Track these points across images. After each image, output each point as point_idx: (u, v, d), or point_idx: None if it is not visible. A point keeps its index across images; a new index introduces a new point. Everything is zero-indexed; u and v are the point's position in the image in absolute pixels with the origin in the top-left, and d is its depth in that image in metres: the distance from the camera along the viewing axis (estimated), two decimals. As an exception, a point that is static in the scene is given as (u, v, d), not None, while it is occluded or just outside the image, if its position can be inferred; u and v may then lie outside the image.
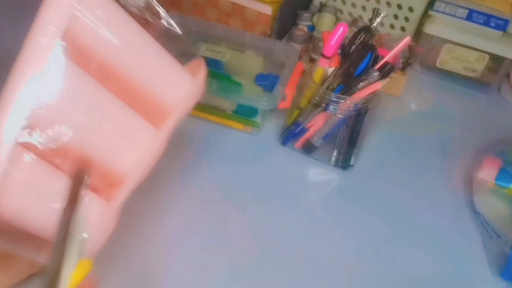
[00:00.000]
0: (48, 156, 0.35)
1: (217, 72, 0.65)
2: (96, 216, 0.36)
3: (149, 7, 0.38)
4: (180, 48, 0.41)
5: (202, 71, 0.41)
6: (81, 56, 0.34)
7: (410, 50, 0.77)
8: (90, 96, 0.35)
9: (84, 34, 0.34)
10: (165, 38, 0.39)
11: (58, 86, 0.33)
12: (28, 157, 0.33)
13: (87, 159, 0.36)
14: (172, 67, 0.39)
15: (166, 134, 0.39)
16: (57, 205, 0.33)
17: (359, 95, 0.55)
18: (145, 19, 0.38)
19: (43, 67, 0.33)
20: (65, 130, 0.34)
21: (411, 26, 0.78)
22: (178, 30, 0.40)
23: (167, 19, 0.39)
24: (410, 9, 0.77)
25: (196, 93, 0.41)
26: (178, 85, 0.39)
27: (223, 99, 0.62)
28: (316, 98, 0.57)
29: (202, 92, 0.41)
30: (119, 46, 0.35)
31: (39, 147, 0.34)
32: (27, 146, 0.33)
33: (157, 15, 0.39)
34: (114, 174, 0.38)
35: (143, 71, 0.37)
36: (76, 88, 0.34)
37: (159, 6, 0.38)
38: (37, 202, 0.34)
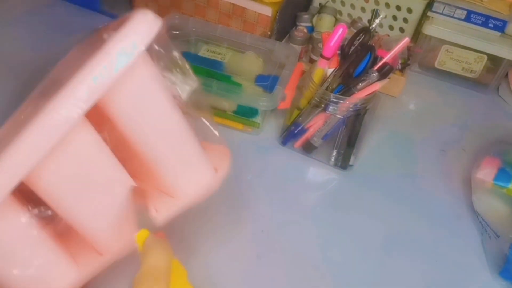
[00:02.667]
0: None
1: (217, 73, 0.65)
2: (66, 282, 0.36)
3: (193, 98, 0.37)
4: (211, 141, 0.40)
5: (225, 165, 0.40)
6: (104, 124, 0.34)
7: (409, 51, 0.77)
8: (95, 164, 0.35)
9: (116, 108, 0.33)
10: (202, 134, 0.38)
11: (64, 148, 0.32)
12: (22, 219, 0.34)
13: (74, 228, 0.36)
14: (197, 159, 0.38)
15: (163, 221, 0.39)
16: (16, 271, 0.33)
17: (358, 96, 0.55)
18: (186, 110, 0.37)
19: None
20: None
21: (410, 27, 0.79)
22: (215, 132, 0.40)
23: (208, 122, 0.39)
24: (409, 10, 0.77)
25: (214, 188, 0.40)
26: (196, 177, 0.39)
27: (224, 99, 0.62)
28: (316, 98, 0.57)
29: (219, 186, 0.40)
30: (147, 127, 0.35)
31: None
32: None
33: (199, 106, 0.38)
34: (95, 245, 0.38)
35: (164, 157, 0.37)
36: (82, 154, 0.34)
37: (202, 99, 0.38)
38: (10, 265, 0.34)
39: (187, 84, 0.37)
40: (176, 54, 0.36)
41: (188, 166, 0.38)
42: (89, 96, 0.31)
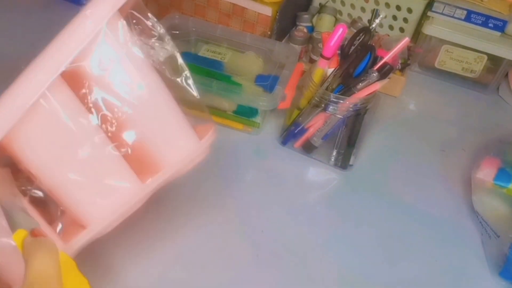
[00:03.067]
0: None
1: (217, 72, 0.65)
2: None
3: (171, 63, 0.38)
4: (195, 108, 0.40)
5: (210, 135, 0.40)
6: (84, 87, 0.34)
7: (409, 51, 0.77)
8: (78, 131, 0.34)
9: (94, 73, 0.34)
10: (182, 97, 0.38)
11: (47, 112, 0.33)
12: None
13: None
14: (179, 127, 0.38)
15: (149, 190, 0.38)
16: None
17: (358, 96, 0.55)
18: (165, 74, 0.37)
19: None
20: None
21: (410, 27, 0.79)
22: (195, 92, 0.40)
23: (186, 78, 0.39)
24: (409, 10, 0.77)
25: (197, 157, 0.40)
26: (181, 146, 0.39)
27: (224, 99, 0.62)
28: (316, 98, 0.57)
29: (205, 156, 0.40)
30: (128, 94, 0.35)
31: None
32: None
33: (177, 72, 0.38)
34: (79, 217, 0.37)
35: (148, 125, 0.37)
36: (59, 117, 0.34)
37: (182, 64, 0.38)
38: None
39: (164, 49, 0.38)
40: (151, 17, 0.37)
41: (176, 132, 0.38)
42: (66, 58, 0.32)
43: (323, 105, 0.57)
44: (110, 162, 0.36)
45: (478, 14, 0.73)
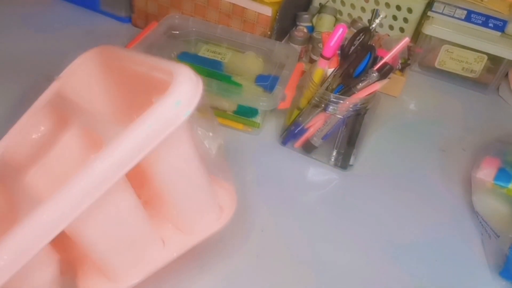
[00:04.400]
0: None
1: (217, 73, 0.65)
2: None
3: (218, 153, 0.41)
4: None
5: (231, 208, 0.44)
6: (137, 174, 0.35)
7: (409, 51, 0.77)
8: (126, 212, 0.37)
9: (154, 166, 0.36)
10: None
11: (104, 199, 0.34)
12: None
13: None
14: (208, 204, 0.42)
15: (173, 256, 0.42)
16: None
17: (358, 96, 0.55)
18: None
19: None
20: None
21: (410, 27, 0.79)
22: (230, 172, 0.44)
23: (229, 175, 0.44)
24: (409, 10, 0.77)
25: (220, 229, 0.44)
26: (208, 220, 0.43)
27: (224, 99, 0.62)
28: (316, 98, 0.57)
29: (224, 227, 0.44)
30: (177, 180, 0.38)
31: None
32: None
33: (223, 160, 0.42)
34: (110, 274, 0.40)
35: (183, 202, 0.40)
36: (118, 204, 0.35)
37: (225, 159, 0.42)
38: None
39: (215, 141, 0.41)
40: (209, 112, 0.40)
41: (202, 209, 0.43)
42: (135, 156, 0.33)
43: (323, 105, 0.57)
44: (147, 233, 0.40)
45: (478, 14, 0.73)
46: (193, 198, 0.41)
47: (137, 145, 0.32)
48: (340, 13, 0.81)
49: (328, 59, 0.57)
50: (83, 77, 0.46)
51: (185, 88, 0.33)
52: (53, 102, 0.45)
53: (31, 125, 0.44)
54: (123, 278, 0.40)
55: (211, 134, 0.40)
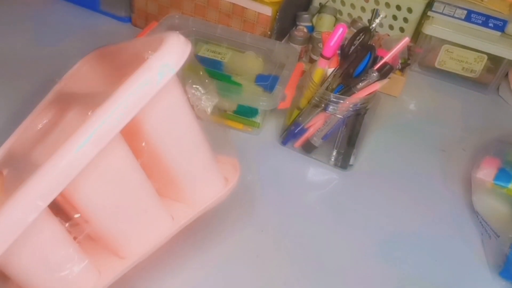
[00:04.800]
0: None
1: (217, 72, 0.65)
2: (86, 285, 0.38)
3: (214, 112, 0.41)
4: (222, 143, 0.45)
5: (235, 179, 0.44)
6: (136, 139, 0.36)
7: (409, 51, 0.77)
8: (127, 175, 0.37)
9: (149, 124, 0.36)
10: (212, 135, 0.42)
11: (107, 164, 0.34)
12: (49, 224, 0.34)
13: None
14: (210, 171, 0.42)
15: (179, 226, 0.41)
16: (62, 274, 0.35)
17: (358, 96, 0.55)
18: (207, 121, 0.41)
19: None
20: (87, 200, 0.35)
21: (410, 27, 0.79)
22: (233, 146, 0.46)
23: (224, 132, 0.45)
24: (409, 10, 0.77)
25: (223, 199, 0.43)
26: (208, 188, 0.43)
27: (224, 99, 0.62)
28: (316, 98, 0.57)
29: (227, 196, 0.44)
30: (174, 139, 0.38)
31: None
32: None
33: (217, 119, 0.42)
34: (118, 250, 0.40)
35: (184, 167, 0.40)
36: (117, 166, 0.36)
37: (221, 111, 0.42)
38: (44, 268, 0.35)
39: (210, 100, 0.41)
40: (202, 73, 0.40)
41: (204, 177, 0.42)
42: (129, 111, 0.33)
43: (323, 105, 0.57)
44: (149, 202, 0.40)
45: (478, 14, 0.73)
46: (194, 161, 0.40)
47: (129, 104, 0.33)
48: (340, 13, 0.81)
49: (328, 59, 0.57)
50: (84, 79, 0.46)
51: (173, 48, 0.35)
52: (55, 101, 0.45)
53: (36, 123, 0.44)
54: (130, 253, 0.40)
55: (204, 94, 0.40)
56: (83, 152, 0.32)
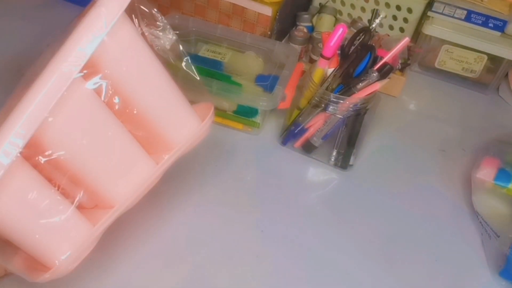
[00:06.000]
0: (45, 170, 0.36)
1: (217, 72, 0.65)
2: (79, 237, 0.37)
3: (173, 49, 0.42)
4: (195, 89, 0.45)
5: (210, 116, 0.44)
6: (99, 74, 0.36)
7: (409, 51, 0.77)
8: (97, 118, 0.37)
9: (107, 64, 0.36)
10: (183, 79, 0.42)
11: (72, 105, 0.35)
12: (26, 168, 0.34)
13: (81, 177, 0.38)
14: (183, 108, 0.42)
15: (163, 168, 0.41)
16: (44, 221, 0.35)
17: (358, 96, 0.55)
18: (167, 60, 0.41)
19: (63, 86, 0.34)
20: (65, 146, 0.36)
21: (410, 27, 0.79)
22: (196, 75, 0.44)
23: (188, 63, 0.44)
24: (409, 10, 0.77)
25: (200, 136, 0.43)
26: (185, 126, 0.42)
27: (224, 99, 0.62)
28: (316, 98, 0.57)
29: (206, 135, 0.44)
30: (138, 80, 0.38)
31: (41, 160, 0.35)
32: (27, 157, 0.34)
33: (179, 58, 0.43)
34: (105, 198, 0.40)
35: (155, 107, 0.40)
36: (87, 110, 0.36)
37: (183, 50, 0.43)
38: (26, 214, 0.35)
39: (167, 38, 0.41)
40: (156, 11, 0.40)
41: (178, 114, 0.42)
42: (86, 52, 0.34)
43: (323, 105, 0.57)
44: (128, 145, 0.40)
45: (478, 14, 0.73)
46: (165, 99, 0.41)
47: (76, 48, 0.34)
48: (340, 13, 0.81)
49: (328, 59, 0.57)
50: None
51: None
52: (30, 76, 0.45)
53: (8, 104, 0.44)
54: (117, 200, 0.40)
55: (160, 33, 0.41)
56: (46, 96, 0.33)
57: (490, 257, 0.54)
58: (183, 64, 0.44)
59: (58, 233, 0.37)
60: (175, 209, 0.54)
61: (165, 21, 0.41)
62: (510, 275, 0.52)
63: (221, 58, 0.67)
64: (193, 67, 0.44)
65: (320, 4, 0.81)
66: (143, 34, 0.39)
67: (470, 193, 0.60)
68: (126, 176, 0.40)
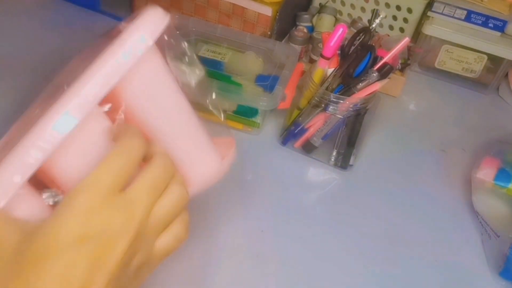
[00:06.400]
0: None
1: (217, 72, 0.65)
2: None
3: (199, 87, 0.40)
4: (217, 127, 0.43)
5: (231, 154, 0.42)
6: (115, 110, 0.35)
7: (409, 51, 0.77)
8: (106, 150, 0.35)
9: (129, 98, 0.35)
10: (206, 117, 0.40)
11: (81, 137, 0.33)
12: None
13: None
14: (204, 148, 0.40)
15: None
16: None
17: (358, 96, 0.55)
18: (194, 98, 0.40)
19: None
20: None
21: (410, 27, 0.79)
22: (221, 116, 0.43)
23: (213, 102, 0.42)
24: (409, 10, 0.77)
25: (220, 176, 0.42)
26: (205, 165, 0.41)
27: (224, 99, 0.62)
28: (316, 98, 0.57)
29: (225, 173, 0.42)
30: (159, 115, 0.37)
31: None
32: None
33: (205, 94, 0.41)
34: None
35: (176, 145, 0.39)
36: (99, 144, 0.35)
37: (211, 87, 0.41)
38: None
39: (194, 73, 0.40)
40: (185, 45, 0.39)
41: (198, 153, 0.40)
42: (105, 82, 0.33)
43: (323, 105, 0.57)
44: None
45: (478, 14, 0.73)
46: (186, 135, 0.39)
47: (104, 78, 0.33)
48: (340, 13, 0.81)
49: (328, 59, 0.57)
50: (74, 72, 0.46)
51: (148, 20, 0.35)
52: (48, 95, 0.45)
53: (28, 117, 0.44)
54: None
55: (186, 70, 0.40)
56: (61, 126, 0.31)
57: (490, 257, 0.54)
58: (209, 102, 0.42)
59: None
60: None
61: (195, 56, 0.40)
62: (510, 275, 0.52)
63: (221, 58, 0.67)
64: (220, 109, 0.43)
65: (320, 4, 0.81)
66: (169, 66, 0.38)
67: (470, 193, 0.60)
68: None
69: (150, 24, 0.35)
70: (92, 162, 0.34)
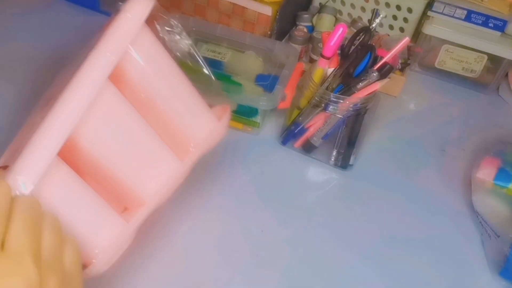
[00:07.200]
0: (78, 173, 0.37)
1: (217, 72, 0.65)
2: (114, 234, 0.38)
3: (191, 53, 0.44)
4: (212, 92, 0.47)
5: (227, 115, 0.46)
6: (124, 86, 0.38)
7: (409, 51, 0.77)
8: (126, 120, 0.38)
9: (132, 69, 0.38)
10: (201, 81, 0.44)
11: (99, 108, 0.36)
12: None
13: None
14: (201, 109, 0.44)
15: (188, 166, 0.43)
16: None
17: (358, 95, 0.55)
18: (186, 63, 0.43)
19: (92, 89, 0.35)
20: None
21: (410, 27, 0.79)
22: (213, 77, 0.48)
23: (206, 66, 0.47)
24: (409, 10, 0.77)
25: (219, 134, 0.45)
26: (204, 125, 0.44)
27: (224, 99, 0.62)
28: (316, 98, 0.57)
29: (224, 134, 0.45)
30: (159, 84, 0.40)
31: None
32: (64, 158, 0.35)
33: (196, 61, 0.45)
34: (135, 198, 0.41)
35: (177, 108, 0.42)
36: (114, 111, 0.37)
37: (199, 55, 0.45)
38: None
39: (184, 42, 0.43)
40: (173, 20, 0.42)
41: (197, 114, 0.43)
42: (113, 58, 0.36)
43: (323, 105, 0.57)
44: (155, 144, 0.41)
45: (478, 14, 0.73)
46: (185, 101, 0.42)
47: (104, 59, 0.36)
48: (340, 13, 0.81)
49: (328, 58, 0.57)
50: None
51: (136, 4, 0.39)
52: (55, 94, 0.45)
53: (35, 118, 0.44)
54: (147, 197, 0.40)
55: (177, 37, 0.43)
56: (78, 102, 0.34)
57: (490, 257, 0.54)
58: (203, 68, 0.47)
59: (96, 227, 0.38)
60: (172, 209, 0.53)
61: (181, 26, 0.43)
62: (510, 275, 0.52)
63: (221, 58, 0.67)
64: (211, 72, 0.47)
65: (320, 4, 0.81)
66: (162, 39, 0.41)
67: (470, 193, 0.60)
68: (155, 173, 0.41)
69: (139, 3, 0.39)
70: (114, 132, 0.37)
